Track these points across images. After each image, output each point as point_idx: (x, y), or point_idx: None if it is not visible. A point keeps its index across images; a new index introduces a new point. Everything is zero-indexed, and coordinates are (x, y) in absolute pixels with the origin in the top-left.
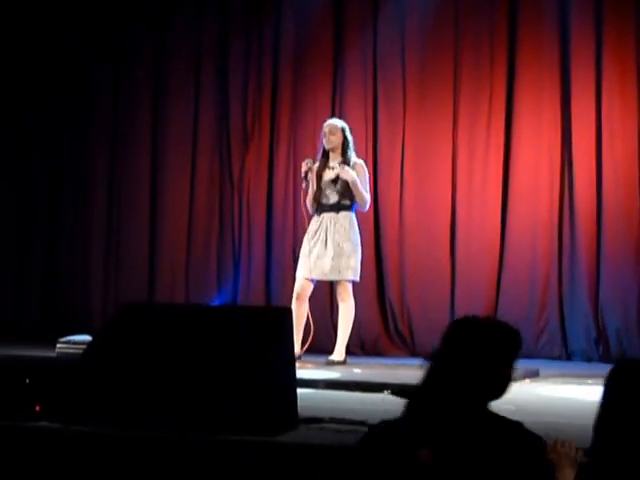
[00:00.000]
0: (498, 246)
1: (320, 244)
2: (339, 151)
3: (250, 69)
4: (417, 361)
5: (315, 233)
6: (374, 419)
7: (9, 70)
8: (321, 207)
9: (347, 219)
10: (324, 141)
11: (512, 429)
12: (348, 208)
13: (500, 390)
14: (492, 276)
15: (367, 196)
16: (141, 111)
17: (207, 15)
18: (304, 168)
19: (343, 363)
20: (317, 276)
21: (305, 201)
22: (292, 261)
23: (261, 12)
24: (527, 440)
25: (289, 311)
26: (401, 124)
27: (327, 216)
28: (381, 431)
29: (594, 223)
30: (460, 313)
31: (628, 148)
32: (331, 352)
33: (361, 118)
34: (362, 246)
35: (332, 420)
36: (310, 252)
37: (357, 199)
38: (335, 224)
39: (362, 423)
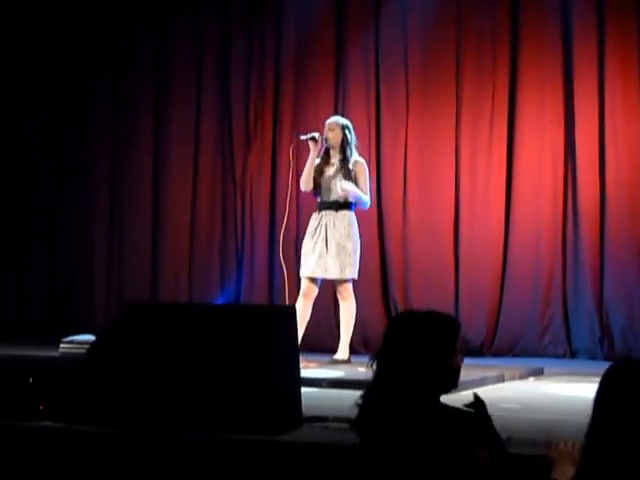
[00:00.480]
0: (502, 245)
1: (321, 242)
2: (338, 149)
3: (252, 68)
4: None
5: (315, 231)
6: None
7: (9, 70)
8: (321, 204)
9: (347, 217)
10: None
11: (464, 420)
12: (348, 207)
13: (449, 381)
14: (496, 275)
15: (366, 198)
16: (142, 111)
17: (208, 14)
18: (313, 135)
19: (347, 362)
20: (320, 274)
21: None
22: (295, 260)
23: (262, 11)
24: (477, 428)
25: (293, 310)
26: (404, 123)
27: (327, 214)
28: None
29: (597, 221)
30: (464, 311)
31: (631, 146)
32: (335, 351)
33: (364, 117)
34: (365, 245)
35: (335, 419)
36: (312, 251)
37: (358, 203)
38: (335, 222)
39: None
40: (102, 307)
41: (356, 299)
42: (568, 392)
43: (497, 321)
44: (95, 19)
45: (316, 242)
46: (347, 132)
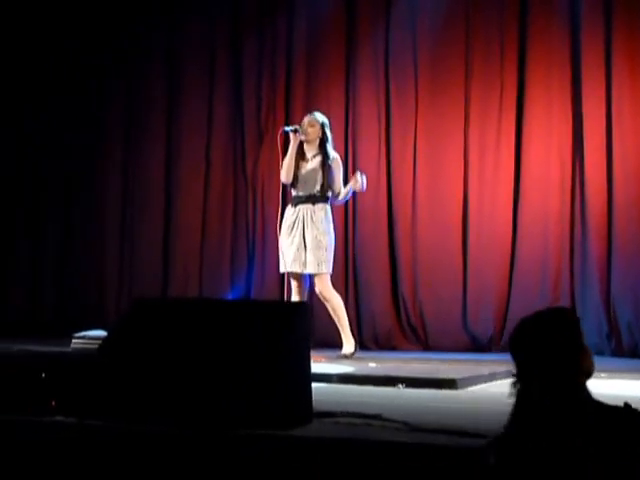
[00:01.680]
0: (510, 240)
1: (299, 237)
2: (315, 144)
3: (264, 65)
4: (430, 355)
5: (293, 225)
6: (387, 412)
7: (26, 66)
8: (297, 198)
9: (323, 211)
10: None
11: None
12: (325, 200)
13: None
14: (504, 270)
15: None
16: (155, 107)
17: (221, 10)
18: (296, 127)
19: (354, 353)
20: (297, 269)
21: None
22: None
23: (274, 8)
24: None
25: (304, 305)
26: (413, 120)
27: (303, 207)
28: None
29: (605, 216)
30: (472, 306)
31: (639, 142)
32: (342, 346)
33: (374, 114)
34: (374, 240)
35: (346, 414)
36: (290, 246)
37: (340, 195)
38: (312, 216)
39: (375, 417)
40: (114, 303)
41: (366, 295)
42: None
43: (505, 316)
44: (109, 14)
45: (294, 237)
46: (326, 129)
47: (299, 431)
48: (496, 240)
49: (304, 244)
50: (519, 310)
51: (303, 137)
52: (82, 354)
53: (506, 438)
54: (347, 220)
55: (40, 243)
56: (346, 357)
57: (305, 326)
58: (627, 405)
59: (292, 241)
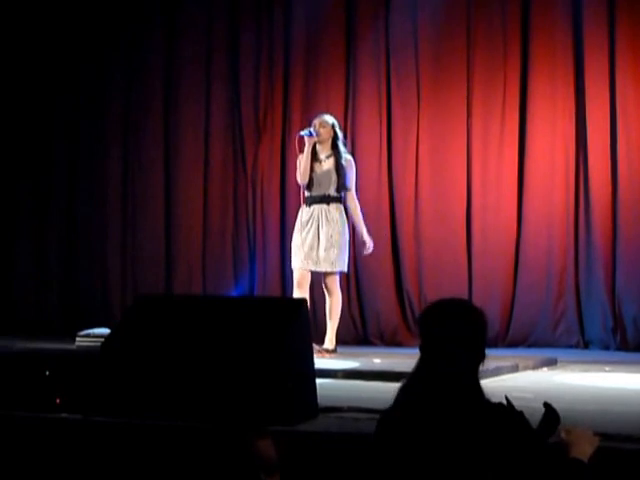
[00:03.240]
0: (514, 236)
1: (312, 235)
2: (328, 145)
3: (261, 60)
4: None
5: (307, 224)
6: None
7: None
8: (311, 198)
9: (338, 211)
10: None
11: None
12: (339, 200)
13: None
14: (509, 266)
15: (355, 201)
16: (153, 103)
17: (218, 5)
18: (311, 130)
19: (334, 352)
20: (311, 267)
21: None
22: None
23: (271, 3)
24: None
25: (305, 302)
26: (415, 115)
27: (318, 207)
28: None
29: (609, 211)
30: (477, 302)
31: None
32: (349, 343)
33: (375, 109)
34: (377, 237)
35: (351, 409)
36: (303, 243)
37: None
38: (327, 216)
39: (380, 412)
40: (118, 301)
41: (371, 291)
42: (581, 382)
43: (511, 312)
44: (106, 9)
45: (307, 234)
46: (337, 129)
47: (305, 426)
48: (500, 236)
49: (317, 243)
50: (524, 306)
51: (316, 138)
52: (86, 352)
53: (391, 411)
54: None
55: (43, 243)
56: (327, 352)
57: (306, 322)
58: (507, 400)
59: (305, 238)
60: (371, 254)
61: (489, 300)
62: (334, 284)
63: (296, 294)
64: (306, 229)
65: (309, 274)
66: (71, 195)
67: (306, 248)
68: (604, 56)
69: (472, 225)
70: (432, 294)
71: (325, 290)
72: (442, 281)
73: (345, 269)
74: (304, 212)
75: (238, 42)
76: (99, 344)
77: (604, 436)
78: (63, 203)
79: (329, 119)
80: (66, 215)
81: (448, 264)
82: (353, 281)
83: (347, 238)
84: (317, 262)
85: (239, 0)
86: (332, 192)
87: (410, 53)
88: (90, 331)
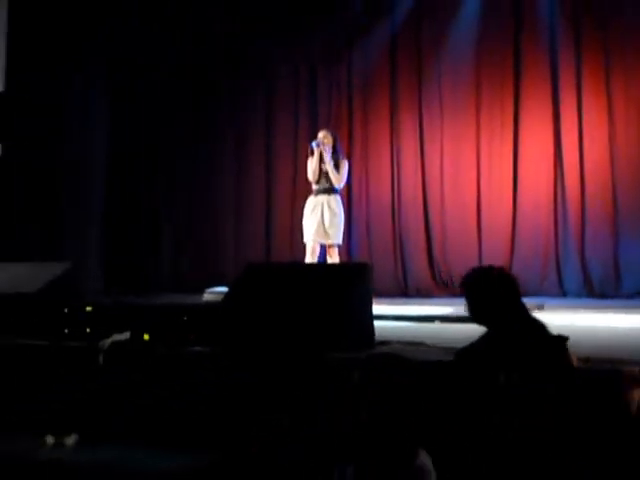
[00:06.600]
0: (511, 214)
1: (319, 216)
2: (330, 151)
3: (332, 98)
4: (457, 300)
5: (314, 208)
6: (429, 340)
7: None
8: (317, 190)
9: (336, 199)
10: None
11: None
12: (336, 192)
13: None
14: (507, 236)
15: (341, 182)
16: (256, 121)
17: (303, 57)
18: (318, 142)
19: None
20: (321, 240)
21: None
22: (365, 228)
23: (339, 60)
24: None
25: (368, 265)
26: (439, 132)
27: (322, 197)
28: (467, 355)
29: (579, 199)
30: (486, 262)
31: (604, 135)
32: (394, 295)
33: (412, 132)
34: (413, 219)
35: (398, 342)
36: (313, 222)
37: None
38: (329, 202)
39: (419, 344)
40: (231, 268)
41: (410, 258)
42: (562, 322)
43: (510, 267)
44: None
45: (315, 216)
46: (336, 140)
47: (364, 353)
48: (501, 215)
49: (323, 222)
50: (520, 266)
51: (322, 148)
52: (211, 304)
53: (469, 352)
54: (394, 203)
55: (178, 227)
56: None
57: (369, 280)
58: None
59: (314, 220)
60: (409, 232)
61: (493, 261)
62: (335, 253)
63: (308, 260)
64: (314, 212)
65: (319, 246)
66: (191, 179)
67: (315, 226)
68: (574, 83)
69: (481, 210)
70: (453, 257)
71: (328, 257)
72: (460, 247)
73: (341, 242)
74: (311, 200)
75: (315, 87)
76: (220, 298)
77: (586, 359)
78: (185, 190)
79: (330, 133)
80: (191, 210)
81: (463, 235)
82: (399, 251)
83: (342, 219)
84: (325, 236)
85: (315, 56)
86: (332, 186)
87: (436, 95)
88: (214, 289)
